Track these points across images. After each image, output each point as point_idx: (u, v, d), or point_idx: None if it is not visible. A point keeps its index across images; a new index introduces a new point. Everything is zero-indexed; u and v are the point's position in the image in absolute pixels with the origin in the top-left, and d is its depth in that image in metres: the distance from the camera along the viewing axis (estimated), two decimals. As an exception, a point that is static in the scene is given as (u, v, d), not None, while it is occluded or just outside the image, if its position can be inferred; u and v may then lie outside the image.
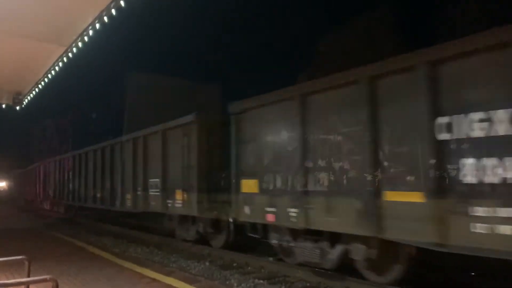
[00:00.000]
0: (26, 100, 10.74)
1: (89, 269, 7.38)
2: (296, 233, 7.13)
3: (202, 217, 9.49)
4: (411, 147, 5.23)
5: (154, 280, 6.56)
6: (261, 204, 7.46)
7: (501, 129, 4.38)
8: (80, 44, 7.05)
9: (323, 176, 6.37)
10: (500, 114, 4.38)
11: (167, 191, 10.48)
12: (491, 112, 4.46)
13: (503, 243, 4.26)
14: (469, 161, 4.61)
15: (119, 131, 16.83)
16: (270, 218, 7.29)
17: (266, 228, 7.78)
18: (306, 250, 6.95)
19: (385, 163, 5.50)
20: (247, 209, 7.86)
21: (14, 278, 4.11)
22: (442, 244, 4.81)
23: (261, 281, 6.79)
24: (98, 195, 15.49)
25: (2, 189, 49.57)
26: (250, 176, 7.82)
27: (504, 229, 4.26)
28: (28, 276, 4.22)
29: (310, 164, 6.60)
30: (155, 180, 11.08)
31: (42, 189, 25.36)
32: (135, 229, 13.66)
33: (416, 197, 5.08)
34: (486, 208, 4.42)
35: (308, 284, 6.62)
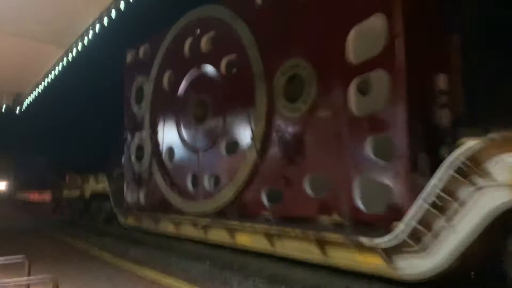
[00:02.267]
0: (26, 101, 10.80)
1: (89, 269, 7.39)
2: None
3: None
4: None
5: (154, 280, 6.58)
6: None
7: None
8: (80, 45, 7.10)
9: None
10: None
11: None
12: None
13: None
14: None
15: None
16: None
17: None
18: None
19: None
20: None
21: (14, 278, 4.13)
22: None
23: (262, 282, 6.79)
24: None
25: (1, 192, 49.14)
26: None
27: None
28: (28, 276, 4.24)
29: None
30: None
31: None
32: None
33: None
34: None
35: (308, 285, 6.62)
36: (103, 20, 6.26)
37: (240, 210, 8.21)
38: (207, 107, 9.65)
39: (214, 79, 9.47)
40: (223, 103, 9.12)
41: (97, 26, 6.46)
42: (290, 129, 7.43)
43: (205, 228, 9.02)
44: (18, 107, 10.81)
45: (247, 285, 6.70)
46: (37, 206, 27.03)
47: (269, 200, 7.83)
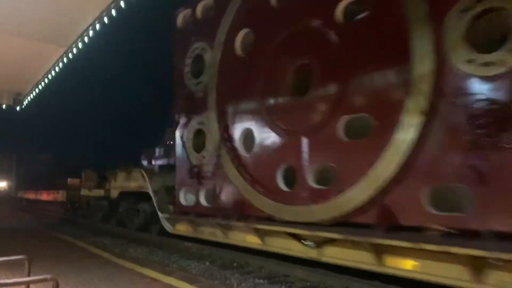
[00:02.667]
0: (26, 101, 10.80)
1: (89, 269, 7.39)
2: None
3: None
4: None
5: (154, 280, 6.57)
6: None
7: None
8: (80, 44, 7.09)
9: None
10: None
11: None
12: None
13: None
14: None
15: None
16: None
17: None
18: None
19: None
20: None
21: (14, 278, 4.12)
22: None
23: (261, 281, 6.80)
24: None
25: (2, 189, 49.25)
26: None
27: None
28: (28, 276, 4.23)
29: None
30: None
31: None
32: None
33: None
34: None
35: (308, 284, 6.62)
36: (103, 19, 6.25)
37: (382, 219, 5.47)
38: (311, 73, 6.79)
39: (324, 33, 6.59)
40: (341, 65, 6.33)
41: (97, 26, 6.46)
42: (485, 95, 4.67)
43: (321, 244, 6.21)
44: (18, 106, 10.81)
45: (247, 284, 6.71)
46: (39, 205, 26.21)
47: (435, 204, 5.13)
